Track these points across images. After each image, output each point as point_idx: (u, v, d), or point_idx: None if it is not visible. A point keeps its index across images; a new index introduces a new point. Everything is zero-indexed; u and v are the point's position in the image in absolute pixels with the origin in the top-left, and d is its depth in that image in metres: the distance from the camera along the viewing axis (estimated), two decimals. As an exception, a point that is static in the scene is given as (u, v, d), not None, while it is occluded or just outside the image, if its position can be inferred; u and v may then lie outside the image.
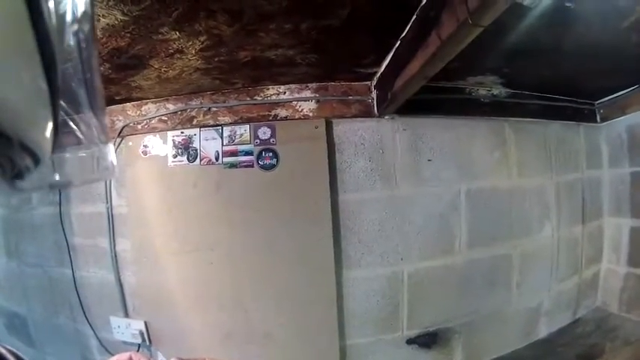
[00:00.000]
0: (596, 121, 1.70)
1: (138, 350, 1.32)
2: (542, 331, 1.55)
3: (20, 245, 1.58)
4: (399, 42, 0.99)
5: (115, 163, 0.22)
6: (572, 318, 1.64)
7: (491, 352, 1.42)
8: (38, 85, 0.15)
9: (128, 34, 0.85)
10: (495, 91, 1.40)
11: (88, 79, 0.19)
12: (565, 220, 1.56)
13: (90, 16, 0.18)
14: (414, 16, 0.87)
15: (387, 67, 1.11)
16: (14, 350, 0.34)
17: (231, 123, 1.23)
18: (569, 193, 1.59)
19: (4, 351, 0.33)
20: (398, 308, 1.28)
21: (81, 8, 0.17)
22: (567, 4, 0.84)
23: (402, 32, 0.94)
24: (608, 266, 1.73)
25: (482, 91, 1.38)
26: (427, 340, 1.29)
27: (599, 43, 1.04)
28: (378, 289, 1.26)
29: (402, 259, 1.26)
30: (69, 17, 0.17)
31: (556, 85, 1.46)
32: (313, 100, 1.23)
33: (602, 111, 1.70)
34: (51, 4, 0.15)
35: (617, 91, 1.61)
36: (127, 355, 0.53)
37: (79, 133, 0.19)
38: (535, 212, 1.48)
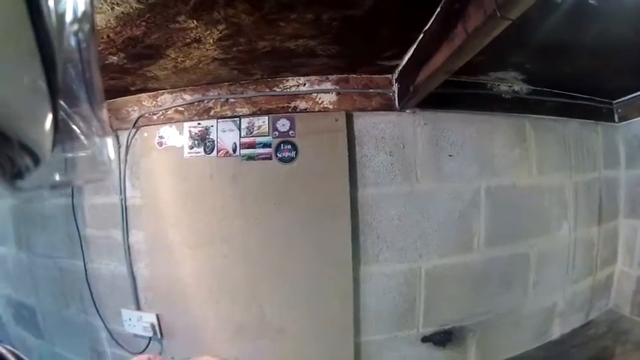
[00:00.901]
0: (614, 121, 1.68)
1: (148, 344, 1.31)
2: (556, 332, 1.53)
3: (31, 236, 1.57)
4: (422, 34, 0.97)
5: (112, 156, 0.22)
6: (585, 320, 1.63)
7: (505, 352, 1.41)
8: (38, 85, 0.15)
9: (144, 23, 0.83)
10: (516, 87, 1.38)
11: (88, 79, 0.19)
12: (582, 220, 1.54)
13: (90, 16, 0.18)
14: (439, 8, 0.85)
15: (409, 60, 1.09)
16: (15, 350, 0.34)
17: (249, 114, 1.21)
18: (587, 193, 1.57)
19: (4, 351, 0.33)
20: (414, 305, 1.26)
21: (81, 8, 0.17)
22: (591, 1, 0.82)
23: (426, 24, 0.92)
24: (622, 268, 1.71)
25: (504, 87, 1.36)
26: (442, 338, 1.28)
27: (621, 41, 1.03)
28: (394, 286, 1.24)
29: (420, 255, 1.25)
30: (69, 17, 0.17)
31: (576, 83, 1.44)
32: (334, 93, 1.21)
33: (620, 110, 1.68)
34: (51, 4, 0.15)
35: (636, 91, 1.59)
36: (145, 357, 0.53)
37: (79, 134, 0.19)
38: (553, 211, 1.46)
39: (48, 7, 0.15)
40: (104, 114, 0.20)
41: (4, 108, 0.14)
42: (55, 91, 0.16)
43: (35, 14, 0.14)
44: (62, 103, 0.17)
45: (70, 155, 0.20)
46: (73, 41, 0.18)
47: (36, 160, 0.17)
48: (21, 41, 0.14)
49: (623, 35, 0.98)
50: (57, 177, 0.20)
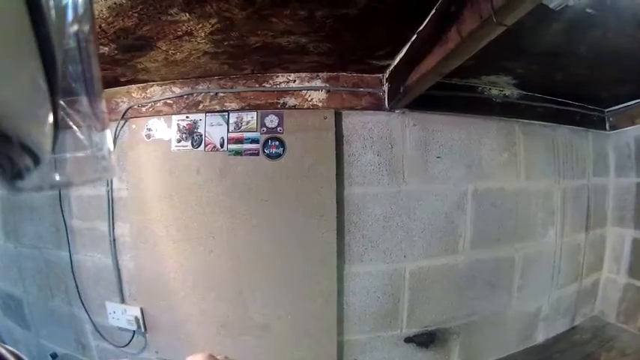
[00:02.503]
0: (605, 129, 1.69)
1: (132, 338, 1.31)
2: (540, 336, 1.54)
3: (18, 226, 1.55)
4: (415, 35, 0.97)
5: (112, 148, 0.22)
6: (570, 325, 1.64)
7: (488, 355, 1.42)
8: (38, 85, 0.15)
9: (136, 14, 0.83)
10: (507, 92, 1.38)
11: (87, 79, 0.19)
12: (569, 226, 1.55)
13: (90, 15, 0.18)
14: (434, 10, 0.84)
15: (401, 60, 1.09)
16: (14, 350, 0.34)
17: (237, 109, 1.21)
18: (575, 199, 1.58)
19: (3, 351, 0.33)
20: (398, 306, 1.26)
21: (81, 8, 0.17)
22: (588, 10, 0.83)
23: (420, 26, 0.92)
24: (609, 275, 1.72)
25: (495, 91, 1.36)
26: (425, 339, 1.28)
27: (617, 50, 1.03)
28: (379, 286, 1.24)
29: (405, 256, 1.25)
30: (69, 17, 0.17)
31: (567, 90, 1.44)
32: (323, 90, 1.20)
33: (611, 119, 1.69)
34: (51, 4, 0.15)
35: (628, 101, 1.59)
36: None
37: (79, 133, 0.19)
38: (540, 216, 1.47)
39: (48, 7, 0.15)
40: (103, 106, 0.20)
41: (4, 108, 0.14)
42: (55, 91, 0.16)
43: (35, 14, 0.14)
44: (62, 102, 0.17)
45: (70, 155, 0.20)
46: (73, 40, 0.17)
47: (36, 160, 0.17)
48: (21, 41, 0.14)
49: (619, 45, 0.98)
50: (57, 177, 0.20)
